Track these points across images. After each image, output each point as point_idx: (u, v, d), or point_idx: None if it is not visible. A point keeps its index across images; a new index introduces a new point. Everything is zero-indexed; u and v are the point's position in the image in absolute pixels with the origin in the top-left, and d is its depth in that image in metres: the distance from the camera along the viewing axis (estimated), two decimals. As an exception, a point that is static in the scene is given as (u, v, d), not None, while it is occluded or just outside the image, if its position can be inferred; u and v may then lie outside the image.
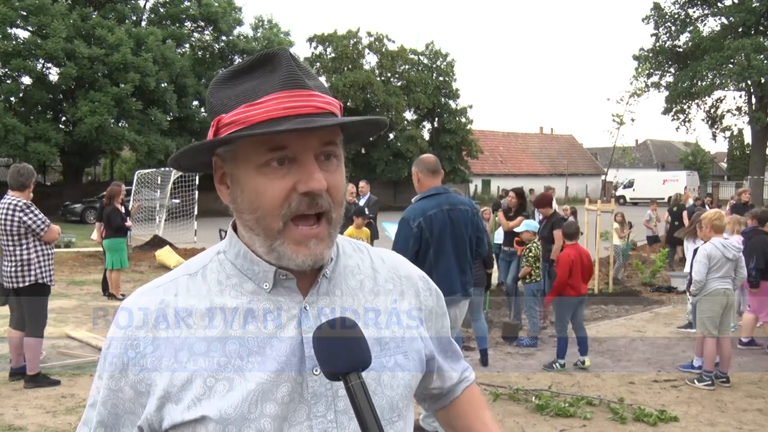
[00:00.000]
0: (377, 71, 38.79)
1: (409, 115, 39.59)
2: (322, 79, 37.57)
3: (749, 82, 36.84)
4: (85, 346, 7.06)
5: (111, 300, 9.78)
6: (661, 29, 40.88)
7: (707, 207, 14.42)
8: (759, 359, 7.03)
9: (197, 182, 18.88)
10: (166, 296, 1.02)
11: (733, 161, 49.63)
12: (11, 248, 5.44)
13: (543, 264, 7.74)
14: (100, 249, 10.87)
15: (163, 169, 19.59)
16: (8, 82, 25.87)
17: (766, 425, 5.13)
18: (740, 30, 37.32)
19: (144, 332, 0.99)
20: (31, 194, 5.71)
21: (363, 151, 37.40)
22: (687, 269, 8.40)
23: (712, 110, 42.84)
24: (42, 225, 5.49)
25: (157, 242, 15.31)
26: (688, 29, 40.04)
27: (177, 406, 0.96)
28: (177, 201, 20.02)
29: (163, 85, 27.47)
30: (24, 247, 5.45)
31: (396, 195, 37.60)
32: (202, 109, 29.91)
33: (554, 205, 16.09)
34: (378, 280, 1.13)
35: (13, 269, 5.45)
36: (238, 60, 25.09)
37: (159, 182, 19.54)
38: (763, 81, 35.98)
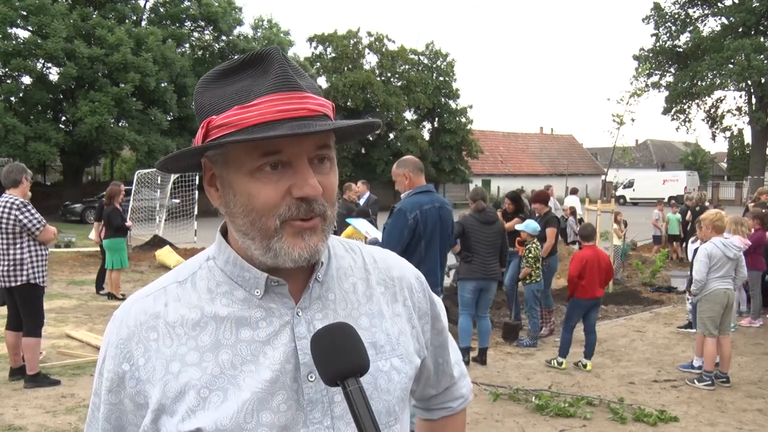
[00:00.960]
0: (377, 71, 38.78)
1: (409, 115, 39.58)
2: (322, 79, 37.82)
3: (749, 82, 36.88)
4: (85, 346, 7.06)
5: (111, 300, 9.77)
6: (661, 29, 40.93)
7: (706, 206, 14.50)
8: (759, 359, 7.03)
9: (197, 182, 18.87)
10: (157, 305, 1.00)
11: (733, 161, 49.61)
12: (5, 247, 5.44)
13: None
14: (99, 249, 10.86)
15: (162, 169, 19.54)
16: (8, 82, 25.85)
17: (766, 425, 5.13)
18: (740, 30, 37.35)
19: (135, 344, 0.98)
20: (29, 192, 5.71)
21: (363, 151, 37.39)
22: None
23: (712, 110, 42.88)
24: (38, 225, 5.48)
25: (157, 242, 15.32)
26: (688, 29, 40.09)
27: (172, 419, 0.94)
28: (177, 201, 20.02)
29: (163, 85, 27.44)
30: (18, 246, 5.45)
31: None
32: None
33: (554, 203, 16.12)
34: (371, 282, 1.10)
35: (5, 268, 5.45)
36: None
37: (159, 182, 19.54)
38: (763, 81, 36.01)
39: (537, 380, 6.17)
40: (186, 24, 31.48)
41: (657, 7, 40.59)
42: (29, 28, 25.41)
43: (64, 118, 27.76)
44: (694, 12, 40.73)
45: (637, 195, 41.58)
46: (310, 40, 38.98)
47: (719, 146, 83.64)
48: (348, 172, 33.78)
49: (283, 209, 0.94)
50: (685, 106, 42.21)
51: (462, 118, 39.71)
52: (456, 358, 1.29)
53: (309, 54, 38.50)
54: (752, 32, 37.12)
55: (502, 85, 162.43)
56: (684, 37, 40.58)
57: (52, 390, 5.55)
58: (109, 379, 0.99)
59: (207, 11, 29.94)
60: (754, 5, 36.30)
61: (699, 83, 38.94)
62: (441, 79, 39.80)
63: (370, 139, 37.66)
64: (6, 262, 5.45)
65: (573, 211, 14.59)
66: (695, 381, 6.07)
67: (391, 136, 37.86)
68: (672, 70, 41.65)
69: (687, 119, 42.78)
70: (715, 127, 43.36)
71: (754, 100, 38.62)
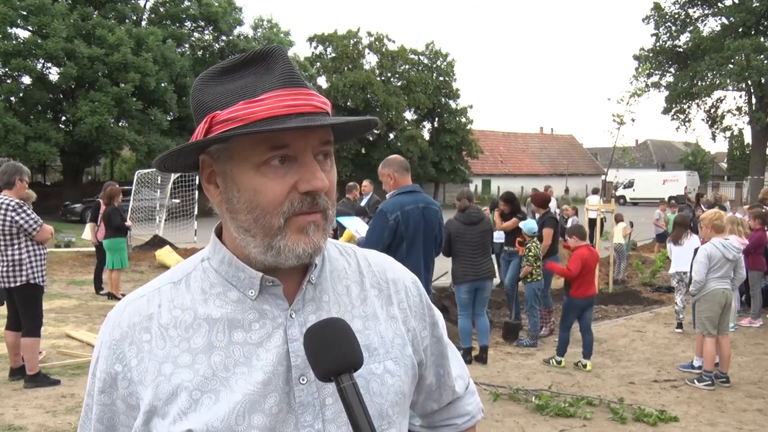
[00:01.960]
0: (377, 71, 38.78)
1: (409, 115, 39.59)
2: (322, 79, 37.83)
3: (749, 82, 36.88)
4: (85, 346, 7.06)
5: (111, 300, 9.77)
6: (661, 29, 40.92)
7: (703, 207, 14.56)
8: (759, 359, 7.03)
9: (197, 182, 18.87)
10: (150, 307, 1.00)
11: (733, 161, 49.61)
12: (3, 248, 5.43)
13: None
14: (95, 249, 10.82)
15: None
16: (8, 81, 25.85)
17: (766, 425, 5.13)
18: (740, 30, 37.34)
19: (128, 345, 0.97)
20: (34, 193, 5.70)
21: (363, 151, 37.39)
22: (672, 270, 8.43)
23: (712, 110, 42.87)
24: (34, 225, 5.47)
25: (157, 242, 15.32)
26: (688, 29, 40.09)
27: (163, 421, 0.94)
28: (177, 201, 20.02)
29: (163, 85, 27.44)
30: (16, 246, 5.44)
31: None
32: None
33: (554, 204, 16.13)
34: (365, 284, 1.10)
35: (4, 269, 5.44)
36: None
37: (159, 182, 19.54)
38: (763, 81, 36.00)
39: (537, 380, 6.17)
40: (186, 24, 31.48)
41: (657, 7, 40.58)
42: (29, 28, 25.41)
43: (64, 118, 27.77)
44: (694, 12, 40.73)
45: (637, 195, 41.56)
46: (310, 40, 39.01)
47: (719, 146, 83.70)
48: (348, 172, 33.76)
49: (286, 206, 0.94)
50: (685, 106, 42.20)
51: (462, 118, 39.73)
52: (459, 372, 1.26)
53: (309, 54, 38.55)
54: (752, 32, 37.11)
55: (502, 85, 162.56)
56: (684, 37, 40.58)
57: (52, 390, 5.54)
58: (102, 379, 0.98)
59: (207, 11, 29.94)
60: (754, 5, 36.29)
61: (699, 83, 38.93)
62: (441, 79, 39.82)
63: (370, 139, 37.66)
64: (5, 263, 5.45)
65: (576, 211, 14.59)
66: (695, 381, 6.07)
67: (391, 136, 37.86)
68: (672, 70, 41.64)
69: (687, 119, 42.77)
70: (715, 127, 43.35)
71: (754, 100, 38.60)
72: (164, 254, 13.09)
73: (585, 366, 6.57)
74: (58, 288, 10.53)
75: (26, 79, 26.70)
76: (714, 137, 45.68)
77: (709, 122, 43.28)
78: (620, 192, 41.77)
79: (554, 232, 7.97)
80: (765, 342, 7.78)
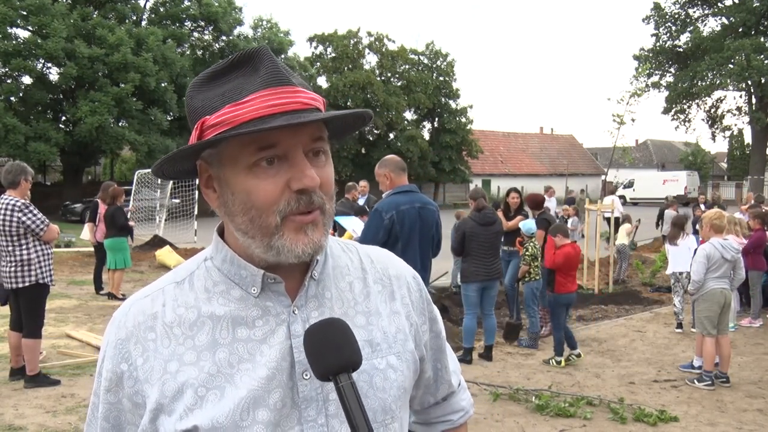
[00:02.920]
0: (377, 71, 38.79)
1: (409, 115, 39.59)
2: (322, 79, 37.77)
3: (749, 82, 36.87)
4: (85, 346, 7.06)
5: (111, 300, 9.78)
6: (661, 29, 40.92)
7: (702, 206, 14.59)
8: (759, 359, 7.03)
9: (197, 182, 18.82)
10: (155, 306, 1.01)
11: (733, 161, 49.60)
12: (11, 249, 5.43)
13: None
14: (94, 249, 10.79)
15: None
16: (8, 81, 25.83)
17: (766, 425, 5.13)
18: (740, 30, 37.35)
19: (134, 344, 0.98)
20: (29, 192, 5.69)
21: (363, 151, 37.39)
22: (669, 270, 8.44)
23: (712, 110, 42.87)
24: (41, 225, 5.47)
25: (157, 242, 15.33)
26: (688, 29, 40.09)
27: (170, 418, 0.95)
28: (177, 201, 20.03)
29: (163, 85, 27.43)
30: (24, 247, 5.44)
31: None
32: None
33: (554, 204, 16.18)
34: (367, 280, 1.11)
35: (12, 269, 5.44)
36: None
37: (159, 182, 19.54)
38: (763, 81, 36.01)
39: (537, 380, 6.17)
40: (186, 24, 31.47)
41: (657, 7, 40.58)
42: (29, 28, 25.40)
43: (64, 118, 27.74)
44: (694, 12, 40.73)
45: (637, 195, 41.55)
46: (310, 40, 39.00)
47: (719, 146, 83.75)
48: (348, 172, 33.78)
49: (282, 204, 0.94)
50: (685, 106, 42.20)
51: (462, 118, 39.73)
52: (454, 367, 1.28)
53: (309, 54, 38.54)
54: (752, 32, 37.12)
55: (502, 85, 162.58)
56: (684, 37, 40.57)
57: (52, 390, 5.54)
58: (108, 378, 0.99)
59: (207, 11, 29.93)
60: (754, 5, 36.29)
61: (699, 83, 38.93)
62: (441, 79, 39.82)
63: (370, 139, 37.68)
64: (13, 264, 5.44)
65: (577, 212, 14.61)
66: (695, 381, 6.07)
67: (391, 136, 37.86)
68: (672, 70, 41.63)
69: (687, 119, 42.77)
70: (715, 127, 43.35)
71: (754, 100, 38.60)
72: (164, 254, 13.11)
73: (579, 355, 6.73)
74: (58, 288, 10.52)
75: (26, 79, 26.69)
76: (714, 137, 45.73)
77: (709, 122, 43.28)
78: (620, 192, 41.80)
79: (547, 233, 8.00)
80: (765, 342, 7.78)
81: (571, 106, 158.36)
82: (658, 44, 40.97)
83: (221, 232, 1.06)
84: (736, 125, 47.86)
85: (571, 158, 51.16)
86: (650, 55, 40.93)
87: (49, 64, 26.38)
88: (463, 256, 6.80)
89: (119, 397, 0.99)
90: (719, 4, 39.37)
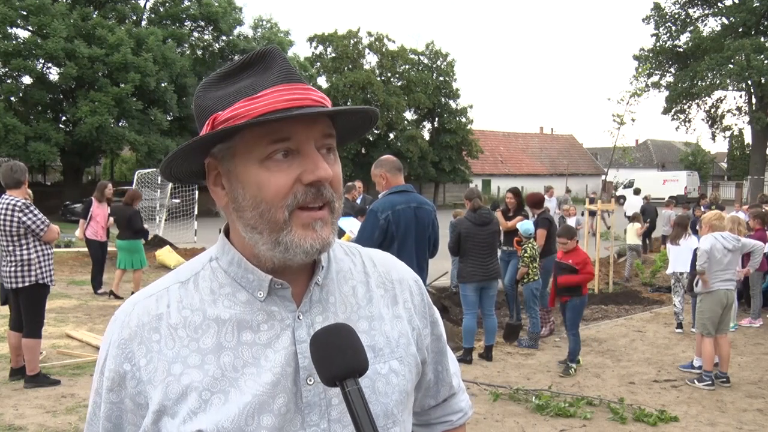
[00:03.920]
0: (377, 71, 38.77)
1: (409, 115, 39.59)
2: (322, 79, 37.77)
3: (749, 82, 36.84)
4: (85, 346, 7.06)
5: (111, 299, 9.77)
6: (661, 29, 40.88)
7: (702, 207, 14.62)
8: (759, 359, 7.03)
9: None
10: (159, 307, 1.00)
11: (733, 161, 49.58)
12: (11, 248, 5.42)
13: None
14: (87, 248, 10.72)
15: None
16: (8, 82, 25.85)
17: (766, 425, 5.13)
18: (740, 30, 37.32)
19: (137, 344, 0.98)
20: (29, 190, 5.69)
21: (363, 151, 37.38)
22: (670, 270, 8.44)
23: (712, 110, 42.83)
24: (41, 225, 5.47)
25: (158, 242, 15.30)
26: (688, 29, 40.05)
27: (173, 420, 0.95)
28: (177, 201, 20.02)
29: (163, 85, 27.44)
30: (24, 247, 5.44)
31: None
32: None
33: (554, 204, 16.22)
34: (370, 284, 1.11)
35: (13, 269, 5.43)
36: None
37: (159, 182, 19.52)
38: (763, 81, 35.97)
39: (537, 380, 6.17)
40: (186, 24, 31.47)
41: (657, 7, 40.54)
42: (29, 28, 25.41)
43: (64, 118, 27.76)
44: (694, 12, 40.69)
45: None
46: (310, 40, 39.00)
47: (719, 146, 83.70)
48: (348, 172, 33.77)
49: (290, 198, 0.95)
50: (685, 106, 42.16)
51: (462, 118, 39.73)
52: (455, 369, 1.28)
53: (309, 54, 38.53)
54: (752, 32, 37.10)
55: (502, 85, 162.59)
56: (684, 37, 40.53)
57: (52, 390, 5.54)
58: (110, 378, 0.99)
59: (207, 11, 29.93)
60: (754, 5, 36.26)
61: (699, 83, 38.89)
62: (441, 79, 39.81)
63: (370, 139, 37.65)
64: (13, 264, 5.43)
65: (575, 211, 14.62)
66: (695, 381, 6.07)
67: (391, 136, 37.85)
68: (672, 70, 41.59)
69: (687, 119, 42.74)
70: (715, 127, 43.32)
71: (754, 100, 38.57)
72: (164, 254, 13.10)
73: (578, 362, 6.58)
74: (58, 288, 10.51)
75: (26, 79, 26.70)
76: (714, 137, 45.64)
77: (709, 122, 43.25)
78: (620, 192, 41.80)
79: (548, 232, 7.99)
80: (765, 342, 7.78)
81: (571, 106, 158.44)
82: (658, 44, 40.93)
83: (227, 233, 1.06)
84: (736, 125, 47.83)
85: (571, 158, 51.16)
86: (650, 55, 40.89)
87: (49, 64, 26.39)
88: (460, 256, 6.80)
89: (121, 397, 0.98)
90: (719, 4, 39.34)
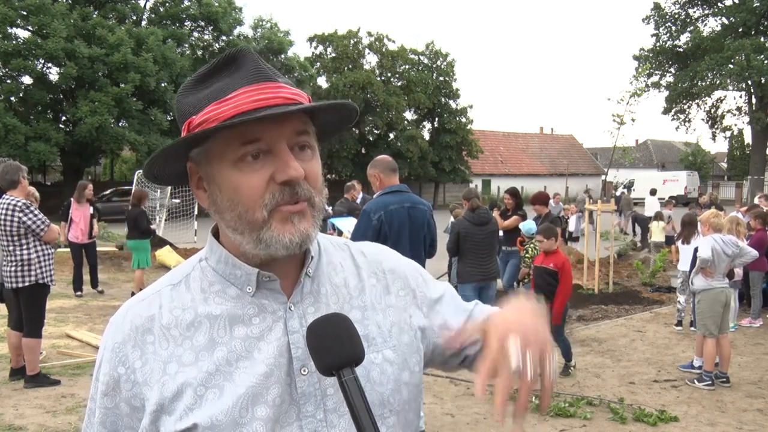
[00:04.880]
0: (377, 71, 38.74)
1: (409, 115, 39.56)
2: (323, 79, 37.72)
3: (749, 82, 36.86)
4: (85, 346, 7.06)
5: (111, 299, 9.78)
6: (661, 29, 40.89)
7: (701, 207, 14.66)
8: (759, 359, 7.03)
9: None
10: (151, 309, 1.01)
11: (733, 161, 49.59)
12: (11, 248, 5.43)
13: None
14: (69, 249, 10.53)
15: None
16: (8, 82, 25.83)
17: (766, 425, 5.13)
18: (740, 30, 37.33)
19: (131, 347, 0.99)
20: (35, 192, 5.69)
21: (363, 151, 37.37)
22: (680, 267, 8.44)
23: (712, 110, 42.85)
24: (42, 225, 5.47)
25: (157, 242, 15.30)
26: (688, 29, 40.06)
27: (170, 417, 0.95)
28: (177, 201, 20.02)
29: (163, 85, 27.43)
30: (24, 247, 5.44)
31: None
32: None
33: (557, 210, 16.23)
34: (361, 275, 1.11)
35: (13, 269, 5.44)
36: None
37: (159, 182, 19.51)
38: (763, 81, 35.99)
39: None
40: (186, 24, 31.44)
41: (657, 7, 40.56)
42: (29, 28, 25.39)
43: (64, 118, 27.73)
44: (694, 12, 40.70)
45: (637, 195, 41.49)
46: (310, 40, 38.96)
47: (719, 146, 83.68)
48: (348, 172, 33.77)
49: (268, 198, 0.95)
50: (685, 106, 42.17)
51: (462, 118, 39.70)
52: (465, 306, 1.21)
53: (309, 54, 38.48)
54: (752, 32, 37.11)
55: (502, 85, 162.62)
56: (684, 37, 40.54)
57: (52, 390, 5.54)
58: (105, 383, 1.00)
59: (207, 11, 29.91)
60: (754, 5, 36.27)
61: (699, 83, 38.91)
62: (441, 79, 39.77)
63: (370, 139, 37.66)
64: (13, 264, 5.44)
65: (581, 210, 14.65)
66: (695, 381, 6.07)
67: (391, 136, 37.84)
68: (672, 70, 41.60)
69: (687, 119, 42.75)
70: (715, 127, 43.33)
71: (754, 100, 38.58)
72: (164, 254, 13.10)
73: (574, 366, 6.50)
74: (58, 288, 10.51)
75: (26, 79, 26.68)
76: (714, 137, 45.66)
77: (709, 122, 43.26)
78: (620, 192, 41.78)
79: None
80: (765, 342, 7.78)
81: (571, 106, 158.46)
82: (658, 44, 40.94)
83: (215, 233, 1.07)
84: (736, 125, 47.85)
85: (571, 158, 51.17)
86: (650, 55, 40.90)
87: (49, 64, 26.37)
88: (458, 256, 6.78)
89: (116, 402, 0.99)
90: (719, 4, 39.35)
